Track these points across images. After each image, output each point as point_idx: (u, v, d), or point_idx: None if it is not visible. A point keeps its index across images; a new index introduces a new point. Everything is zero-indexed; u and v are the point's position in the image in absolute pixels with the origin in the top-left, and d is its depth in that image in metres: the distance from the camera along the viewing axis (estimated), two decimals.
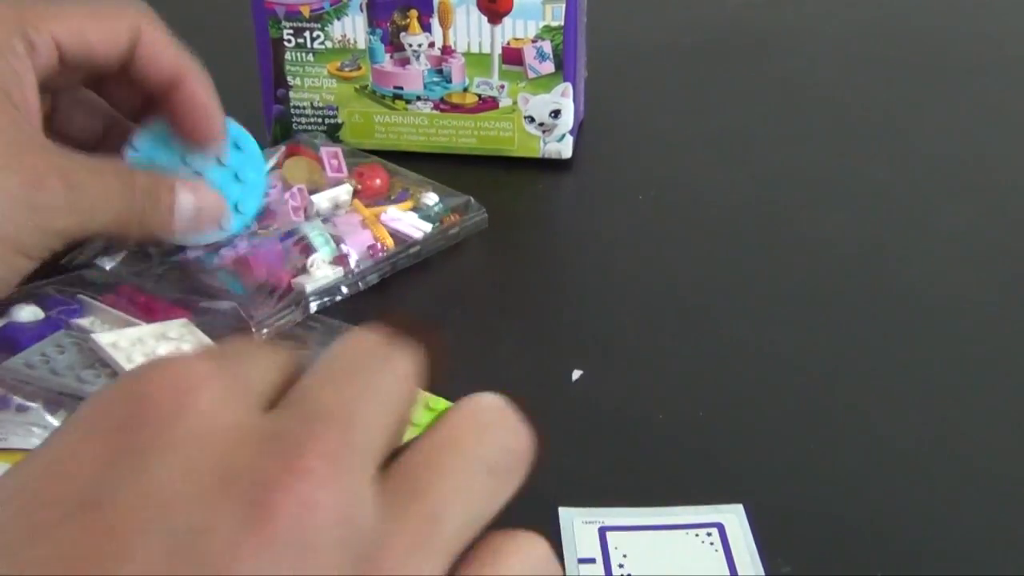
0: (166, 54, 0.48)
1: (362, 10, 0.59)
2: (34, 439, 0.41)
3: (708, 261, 0.54)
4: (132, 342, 0.44)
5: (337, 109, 0.62)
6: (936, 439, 0.42)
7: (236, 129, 0.50)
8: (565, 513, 0.38)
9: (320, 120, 0.62)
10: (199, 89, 0.48)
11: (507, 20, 0.58)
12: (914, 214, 0.57)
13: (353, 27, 0.60)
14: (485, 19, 0.59)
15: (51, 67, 0.45)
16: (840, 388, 0.45)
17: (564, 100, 0.60)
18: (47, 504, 0.25)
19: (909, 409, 0.44)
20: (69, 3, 0.47)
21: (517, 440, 0.29)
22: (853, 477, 0.41)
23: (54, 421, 0.42)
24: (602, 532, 0.37)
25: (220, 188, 0.49)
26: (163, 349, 0.44)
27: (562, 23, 0.58)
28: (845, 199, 0.59)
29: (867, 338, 0.48)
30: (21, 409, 0.42)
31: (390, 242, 0.51)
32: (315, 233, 0.50)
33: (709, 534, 0.37)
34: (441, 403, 0.41)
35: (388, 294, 0.51)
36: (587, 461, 0.41)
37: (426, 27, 0.59)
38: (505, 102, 0.60)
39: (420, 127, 0.61)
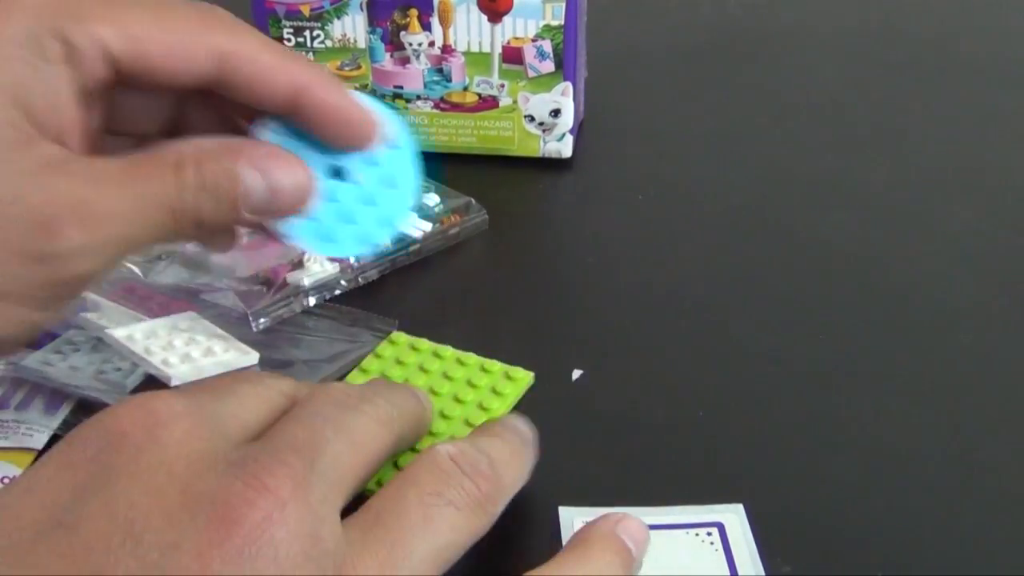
0: (272, 74, 0.36)
1: (362, 9, 0.59)
2: (34, 438, 0.41)
3: (708, 261, 0.54)
4: (146, 335, 0.44)
5: None
6: (936, 439, 0.42)
7: (392, 118, 0.38)
8: (565, 513, 0.38)
9: None
10: (328, 97, 0.36)
11: (507, 19, 0.58)
12: (914, 214, 0.57)
13: (353, 26, 0.60)
14: (485, 18, 0.59)
15: (100, 76, 0.34)
16: (840, 388, 0.45)
17: (564, 99, 0.60)
18: (24, 526, 0.27)
19: (909, 409, 0.44)
20: (134, 3, 0.35)
21: (475, 485, 0.32)
22: (853, 477, 0.41)
23: (54, 421, 0.42)
24: None
25: (370, 195, 0.37)
26: (178, 340, 0.44)
27: (562, 22, 0.58)
28: (845, 199, 0.59)
29: (867, 338, 0.48)
30: (21, 408, 0.42)
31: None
32: None
33: (709, 534, 0.37)
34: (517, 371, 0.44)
35: (387, 291, 0.51)
36: (587, 461, 0.41)
37: (426, 26, 0.59)
38: (505, 101, 0.60)
39: (420, 126, 0.61)
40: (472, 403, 0.42)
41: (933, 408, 0.44)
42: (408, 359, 0.45)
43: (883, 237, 0.55)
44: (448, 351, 0.45)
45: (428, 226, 0.53)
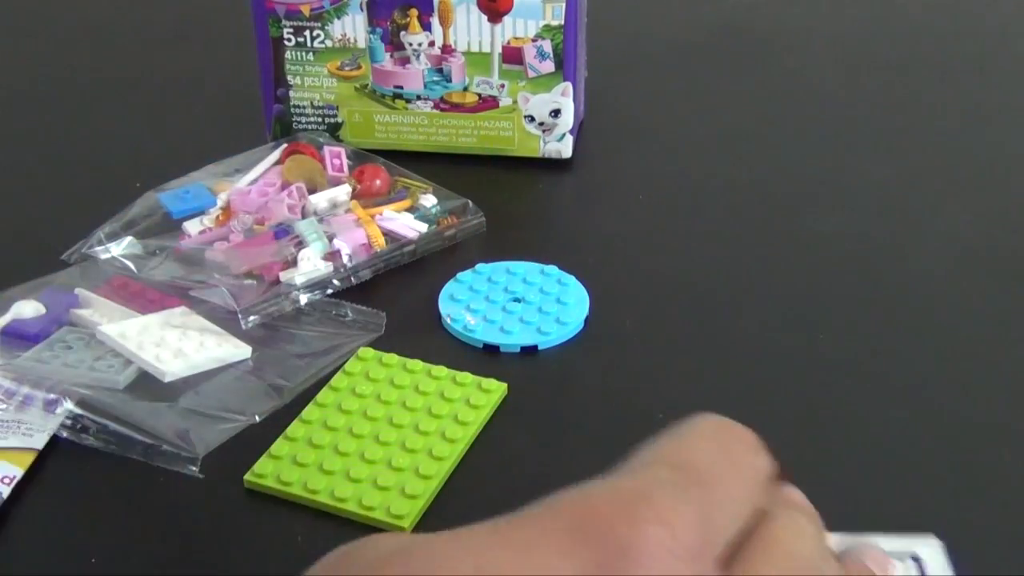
0: None
1: (362, 9, 0.59)
2: (34, 438, 0.41)
3: (708, 260, 0.54)
4: (139, 331, 0.44)
5: (337, 108, 0.62)
6: (936, 436, 0.42)
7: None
8: None
9: (320, 119, 0.62)
10: None
11: (507, 19, 0.58)
12: (915, 212, 0.57)
13: (353, 26, 0.60)
14: (485, 18, 0.58)
15: None
16: (839, 385, 0.45)
17: (564, 99, 0.60)
18: None
19: (909, 406, 0.44)
20: None
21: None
22: (852, 475, 0.40)
23: (53, 421, 0.42)
24: None
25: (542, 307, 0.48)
26: (171, 336, 0.44)
27: (562, 22, 0.58)
28: (845, 197, 0.59)
29: (867, 335, 0.48)
30: (21, 408, 0.42)
31: (383, 242, 0.51)
32: (308, 229, 0.50)
33: None
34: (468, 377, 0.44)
35: (382, 291, 0.50)
36: (587, 461, 0.41)
37: (426, 26, 0.59)
38: (505, 101, 0.60)
39: (420, 126, 0.61)
40: (447, 416, 0.42)
41: (934, 405, 0.44)
42: (378, 374, 0.44)
43: (884, 234, 0.55)
44: (418, 364, 0.45)
45: (423, 227, 0.53)
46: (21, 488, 0.40)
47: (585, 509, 0.25)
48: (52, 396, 0.42)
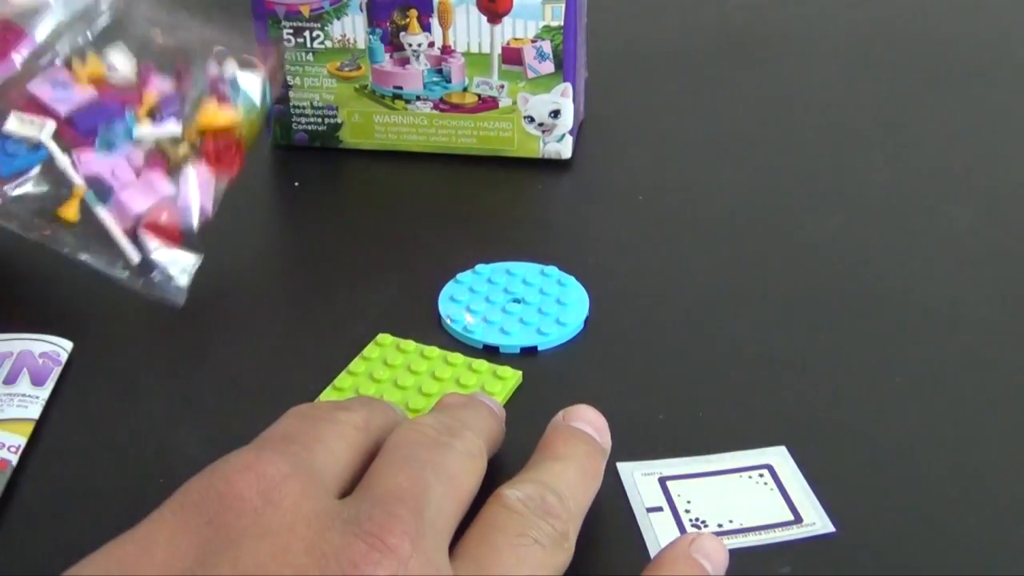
0: None
1: (362, 10, 0.59)
2: (29, 409, 0.42)
3: (708, 262, 0.54)
4: None
5: (337, 109, 0.62)
6: (934, 441, 0.42)
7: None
8: (624, 468, 0.40)
9: (320, 119, 0.62)
10: None
11: (507, 20, 0.58)
12: (914, 217, 0.57)
13: (353, 27, 0.60)
14: (485, 19, 0.59)
15: None
16: (838, 391, 0.45)
17: (564, 100, 0.60)
18: None
19: (906, 412, 0.44)
20: None
21: (550, 525, 0.32)
22: (848, 482, 0.40)
23: (44, 391, 0.43)
24: (662, 482, 0.40)
25: (540, 308, 0.48)
26: None
27: (562, 23, 0.58)
28: (845, 201, 0.59)
29: (865, 340, 0.48)
30: (9, 383, 0.43)
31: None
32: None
33: (761, 475, 0.39)
34: (508, 372, 0.45)
35: (381, 291, 0.51)
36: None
37: (426, 27, 0.59)
38: (505, 102, 0.60)
39: (420, 127, 0.61)
40: None
41: (932, 410, 0.44)
42: (395, 360, 0.45)
43: (883, 238, 0.55)
44: (435, 351, 0.45)
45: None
46: (14, 480, 0.40)
47: (183, 494, 0.29)
48: (43, 370, 0.44)
